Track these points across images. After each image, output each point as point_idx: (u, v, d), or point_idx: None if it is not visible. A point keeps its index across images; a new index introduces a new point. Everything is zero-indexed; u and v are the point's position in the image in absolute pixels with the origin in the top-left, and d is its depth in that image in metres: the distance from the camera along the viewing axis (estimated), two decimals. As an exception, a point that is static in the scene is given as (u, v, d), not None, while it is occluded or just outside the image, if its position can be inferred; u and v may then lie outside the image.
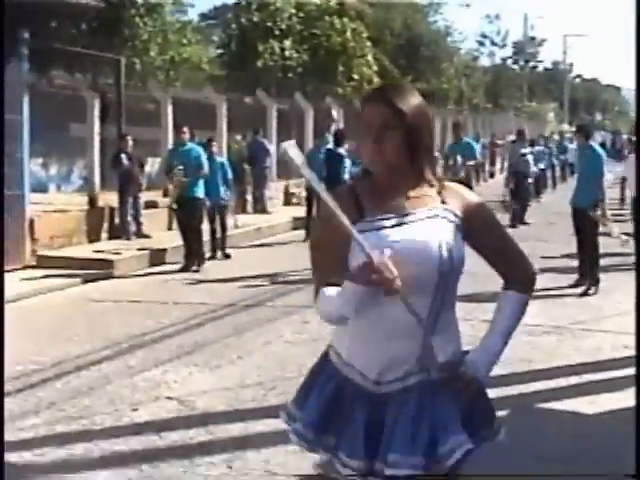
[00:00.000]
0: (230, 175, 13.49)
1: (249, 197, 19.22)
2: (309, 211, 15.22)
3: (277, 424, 5.17)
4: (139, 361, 7.01)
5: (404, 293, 2.43)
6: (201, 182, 12.26)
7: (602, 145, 42.13)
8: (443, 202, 2.69)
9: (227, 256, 13.10)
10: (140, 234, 13.97)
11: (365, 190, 2.70)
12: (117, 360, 7.07)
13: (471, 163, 16.18)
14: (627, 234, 10.87)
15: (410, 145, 2.60)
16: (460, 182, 3.10)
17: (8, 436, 4.60)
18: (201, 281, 11.06)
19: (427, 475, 2.54)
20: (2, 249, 9.57)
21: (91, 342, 7.58)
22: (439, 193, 2.70)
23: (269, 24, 25.87)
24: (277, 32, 26.06)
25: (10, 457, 4.52)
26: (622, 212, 15.69)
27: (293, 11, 26.67)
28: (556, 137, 36.26)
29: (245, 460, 4.82)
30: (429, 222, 2.62)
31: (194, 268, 11.84)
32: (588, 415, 5.57)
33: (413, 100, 2.66)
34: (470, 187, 13.83)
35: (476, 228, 2.71)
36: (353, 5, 30.25)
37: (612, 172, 12.87)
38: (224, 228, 13.29)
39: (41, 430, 5.31)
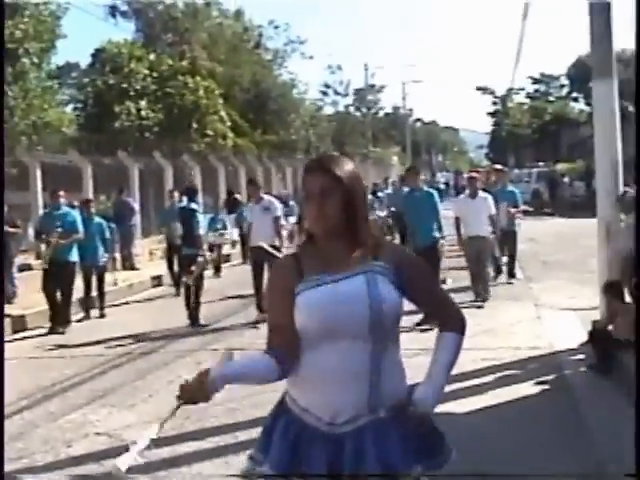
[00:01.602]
0: (108, 234, 13.76)
1: (117, 255, 19.78)
2: (170, 266, 15.92)
3: (199, 445, 6.18)
4: (57, 407, 7.66)
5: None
6: (74, 246, 12.37)
7: (446, 184, 44.00)
8: (376, 259, 2.91)
9: (103, 316, 13.21)
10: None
11: (307, 253, 2.98)
12: (36, 408, 7.69)
13: None
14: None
15: (347, 209, 2.87)
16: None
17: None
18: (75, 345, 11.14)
19: None
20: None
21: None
22: (374, 250, 2.94)
23: (124, 85, 26.49)
24: (132, 93, 26.69)
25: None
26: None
27: (147, 72, 27.39)
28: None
29: (180, 475, 5.66)
30: (361, 277, 2.85)
31: (60, 330, 11.87)
32: (458, 414, 6.67)
33: (348, 168, 2.92)
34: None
35: (410, 281, 2.93)
36: (204, 64, 31.29)
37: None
38: (101, 288, 13.42)
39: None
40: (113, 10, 37.61)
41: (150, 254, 21.64)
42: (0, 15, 9.16)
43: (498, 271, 14.68)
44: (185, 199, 13.31)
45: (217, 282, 16.40)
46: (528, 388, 7.63)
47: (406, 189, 14.20)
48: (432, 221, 11.40)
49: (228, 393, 6.30)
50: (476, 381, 7.73)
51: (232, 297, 14.32)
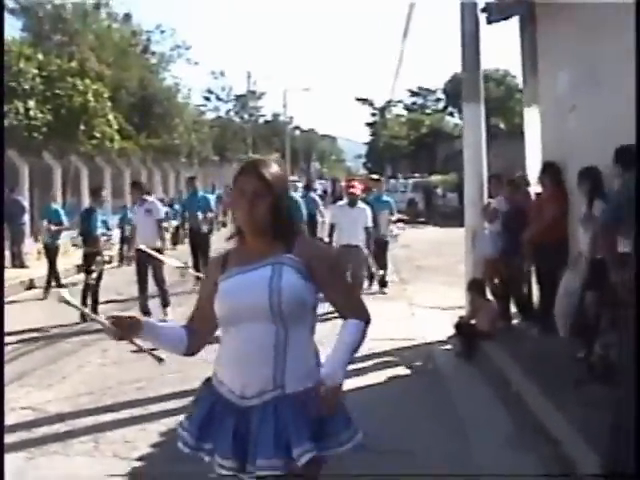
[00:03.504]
0: None
1: (7, 252, 20.08)
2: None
3: (117, 415, 7.01)
4: (-23, 388, 8.34)
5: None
6: None
7: (324, 192, 44.66)
8: (289, 252, 3.21)
9: None
10: None
11: (234, 249, 3.36)
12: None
13: (210, 216, 16.45)
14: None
15: (274, 210, 3.19)
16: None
17: None
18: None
19: (289, 474, 3.06)
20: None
21: None
22: (287, 244, 3.23)
23: (12, 84, 26.53)
24: (20, 92, 26.75)
25: None
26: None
27: (35, 72, 27.46)
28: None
29: (107, 437, 6.50)
30: (268, 268, 3.17)
31: None
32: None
33: (277, 172, 3.24)
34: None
35: (318, 274, 3.22)
36: (92, 66, 31.56)
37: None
38: None
39: None
40: (-1, 7, 37.50)
41: (39, 252, 21.91)
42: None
43: (371, 280, 14.48)
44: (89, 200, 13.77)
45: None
46: (402, 371, 8.75)
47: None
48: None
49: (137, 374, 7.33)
50: (354, 366, 8.75)
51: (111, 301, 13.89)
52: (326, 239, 12.44)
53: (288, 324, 3.13)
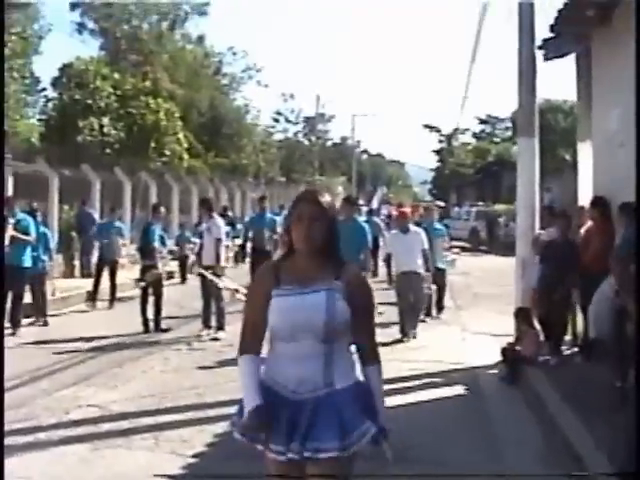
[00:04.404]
0: (52, 244, 14.29)
1: (76, 262, 20.92)
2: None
3: (176, 416, 7.53)
4: (49, 386, 8.94)
5: None
6: (28, 251, 12.66)
7: (388, 216, 44.70)
8: (337, 279, 3.65)
9: (46, 323, 13.52)
10: None
11: (284, 266, 3.74)
12: (29, 387, 8.92)
13: (276, 237, 16.40)
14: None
15: (328, 232, 3.64)
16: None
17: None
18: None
19: (340, 457, 3.50)
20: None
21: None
22: (336, 271, 3.67)
23: (89, 101, 27.59)
24: (96, 109, 27.80)
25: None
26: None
27: (111, 90, 28.54)
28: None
29: (166, 436, 7.05)
30: (323, 293, 3.60)
31: (11, 332, 12.24)
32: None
33: (331, 201, 3.72)
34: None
35: (356, 305, 3.66)
36: (165, 86, 32.58)
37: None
38: (43, 295, 13.79)
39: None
40: (80, 27, 39.05)
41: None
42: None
43: (427, 313, 14.09)
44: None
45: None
46: (447, 391, 9.15)
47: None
48: (357, 253, 10.95)
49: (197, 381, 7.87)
50: (401, 384, 9.19)
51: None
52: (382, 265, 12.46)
53: (335, 338, 3.61)
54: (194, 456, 6.57)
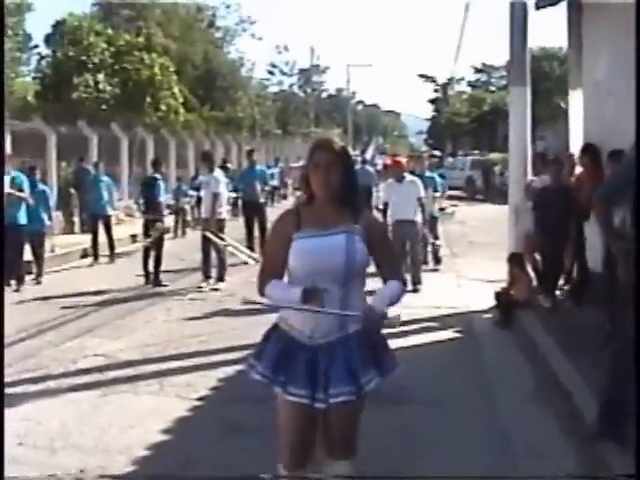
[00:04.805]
0: (52, 202, 14.35)
1: (76, 219, 21.08)
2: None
3: (180, 363, 7.78)
4: (55, 338, 9.17)
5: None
6: (23, 208, 12.63)
7: (384, 166, 44.74)
8: (356, 222, 3.79)
9: (39, 282, 13.31)
10: None
11: (305, 211, 3.85)
12: (35, 339, 9.13)
13: (267, 188, 17.18)
14: None
15: (344, 178, 3.78)
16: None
17: None
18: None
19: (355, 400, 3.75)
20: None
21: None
22: (354, 216, 3.81)
23: (83, 58, 27.54)
24: (90, 66, 27.76)
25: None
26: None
27: (104, 46, 28.48)
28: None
29: (170, 381, 7.32)
30: (342, 235, 3.74)
31: (14, 288, 12.40)
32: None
33: (346, 149, 3.88)
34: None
35: (372, 241, 3.80)
36: (159, 40, 32.50)
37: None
38: (41, 255, 13.69)
39: (14, 377, 7.46)
40: (70, -18, 38.88)
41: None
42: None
43: (426, 256, 14.44)
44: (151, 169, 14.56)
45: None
46: (442, 335, 9.43)
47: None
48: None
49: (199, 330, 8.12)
50: (399, 329, 9.41)
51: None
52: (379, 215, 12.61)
53: (352, 280, 3.75)
54: (199, 399, 6.84)
